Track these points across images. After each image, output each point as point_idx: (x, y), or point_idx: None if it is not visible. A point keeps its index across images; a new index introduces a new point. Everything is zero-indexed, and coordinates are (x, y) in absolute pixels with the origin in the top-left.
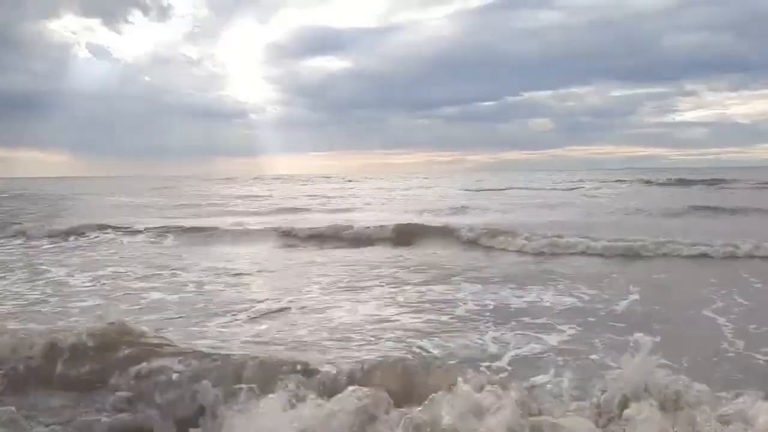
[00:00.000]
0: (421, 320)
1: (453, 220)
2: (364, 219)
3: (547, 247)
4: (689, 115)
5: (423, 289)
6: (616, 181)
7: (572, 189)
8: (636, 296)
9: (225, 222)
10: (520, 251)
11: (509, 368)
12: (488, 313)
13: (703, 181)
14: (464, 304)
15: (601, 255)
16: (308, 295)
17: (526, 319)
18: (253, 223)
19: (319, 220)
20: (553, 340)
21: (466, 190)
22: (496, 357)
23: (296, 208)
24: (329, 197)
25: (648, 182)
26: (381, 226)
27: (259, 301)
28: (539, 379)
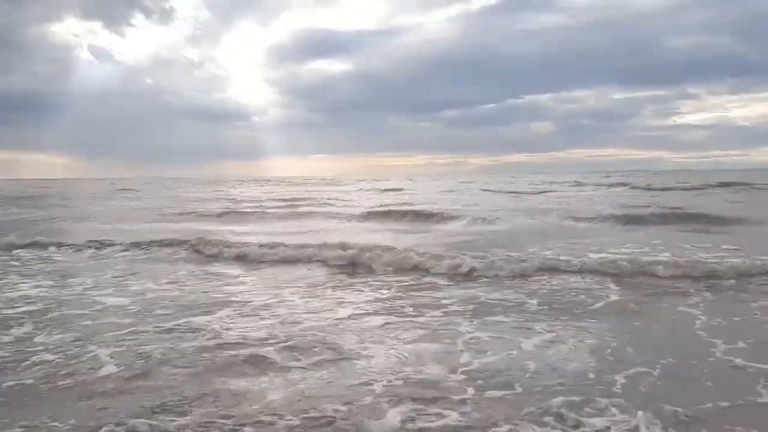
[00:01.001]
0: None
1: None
2: (301, 228)
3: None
4: (690, 118)
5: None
6: (611, 185)
7: (544, 192)
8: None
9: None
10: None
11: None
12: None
13: (692, 187)
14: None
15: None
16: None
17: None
18: (170, 230)
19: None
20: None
21: (447, 191)
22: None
23: (247, 212)
24: (296, 199)
25: (625, 185)
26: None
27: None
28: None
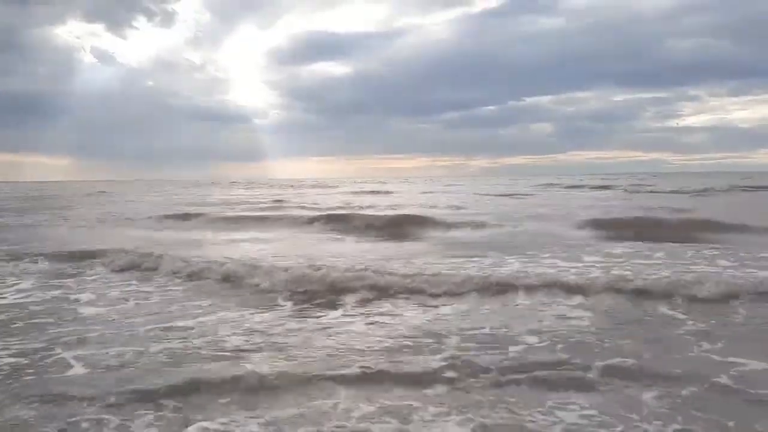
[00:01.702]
0: None
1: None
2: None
3: None
4: (691, 120)
5: None
6: (601, 186)
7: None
8: None
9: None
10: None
11: None
12: None
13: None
14: None
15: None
16: None
17: None
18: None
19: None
20: None
21: (424, 192)
22: None
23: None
24: (275, 201)
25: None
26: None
27: None
28: None
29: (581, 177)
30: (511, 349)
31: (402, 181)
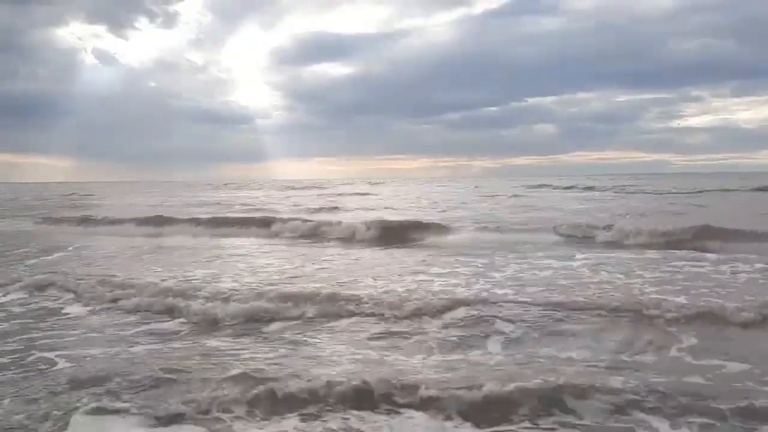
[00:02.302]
0: None
1: None
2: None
3: None
4: (694, 121)
5: None
6: (590, 187)
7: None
8: None
9: None
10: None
11: None
12: None
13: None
14: None
15: None
16: None
17: None
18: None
19: None
20: None
21: (415, 196)
22: None
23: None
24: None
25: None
26: None
27: None
28: None
29: (581, 178)
30: (490, 347)
31: (401, 182)
